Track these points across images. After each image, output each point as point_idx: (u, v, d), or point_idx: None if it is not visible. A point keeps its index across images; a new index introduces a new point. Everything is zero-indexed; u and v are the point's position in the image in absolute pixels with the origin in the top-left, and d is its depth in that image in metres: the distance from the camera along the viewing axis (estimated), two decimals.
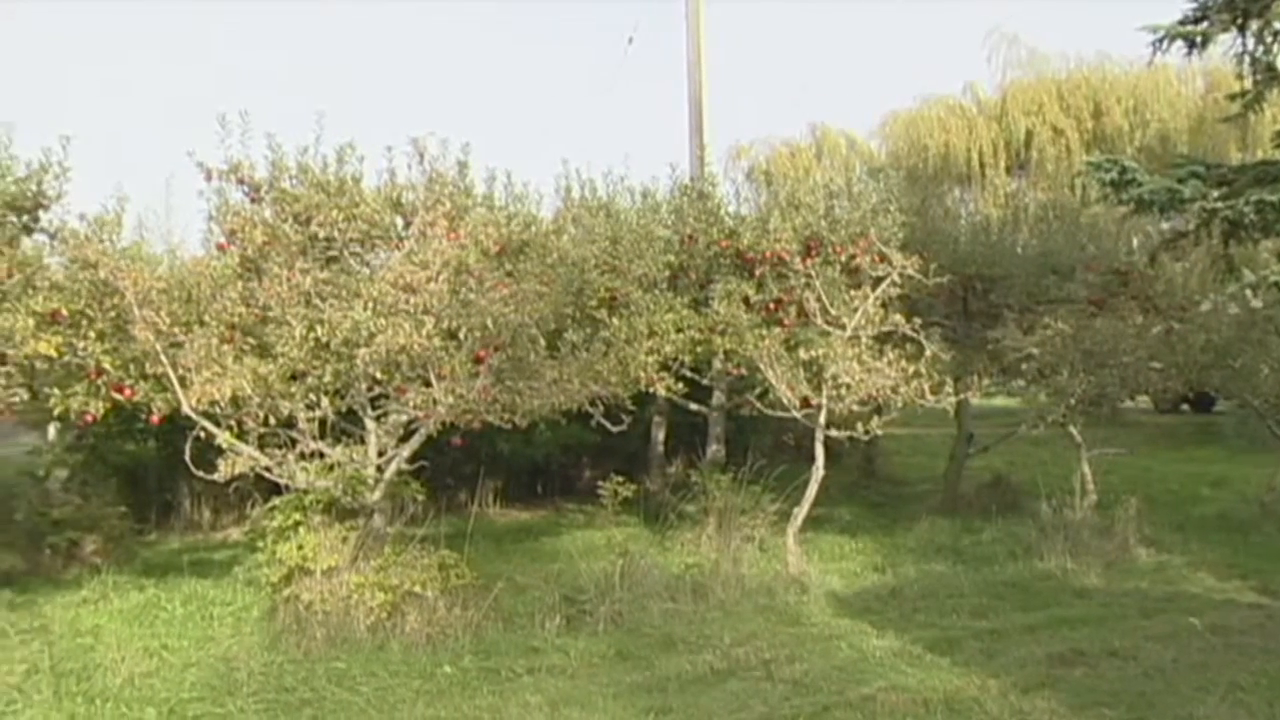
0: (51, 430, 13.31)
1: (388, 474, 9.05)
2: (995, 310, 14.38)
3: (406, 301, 8.32)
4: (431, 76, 63.63)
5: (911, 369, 10.22)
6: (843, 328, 10.74)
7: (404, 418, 9.05)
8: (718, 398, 14.19)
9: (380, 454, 9.16)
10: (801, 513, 10.91)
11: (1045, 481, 12.68)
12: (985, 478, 15.28)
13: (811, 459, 11.01)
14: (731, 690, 7.49)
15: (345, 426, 9.28)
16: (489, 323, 8.42)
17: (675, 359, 12.29)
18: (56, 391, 9.33)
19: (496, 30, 66.32)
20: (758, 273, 12.64)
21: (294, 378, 8.78)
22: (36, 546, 11.45)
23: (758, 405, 11.43)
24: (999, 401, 18.49)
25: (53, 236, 10.47)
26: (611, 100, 54.13)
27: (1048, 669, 7.80)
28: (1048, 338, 12.48)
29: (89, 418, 9.58)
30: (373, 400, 9.21)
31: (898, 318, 10.65)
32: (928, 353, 10.53)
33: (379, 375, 8.56)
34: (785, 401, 10.72)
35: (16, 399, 9.42)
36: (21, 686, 7.52)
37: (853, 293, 11.10)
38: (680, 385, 12.34)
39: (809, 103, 57.82)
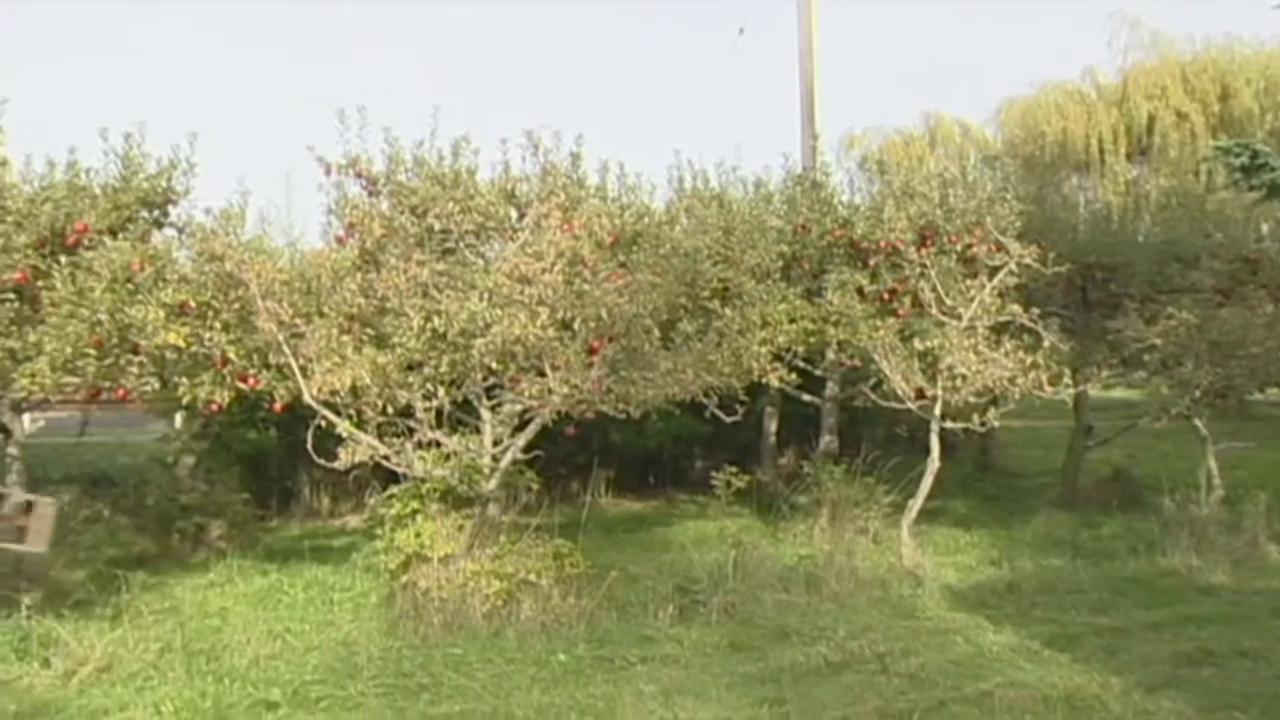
0: (178, 418, 13.73)
1: (503, 463, 9.14)
2: (1115, 300, 14.07)
3: (521, 292, 8.38)
4: (545, 69, 64.00)
5: (1029, 360, 10.02)
6: (958, 318, 10.58)
7: (518, 408, 9.14)
8: (831, 389, 14.09)
9: (495, 443, 9.26)
10: (916, 505, 10.79)
11: (1168, 476, 12.36)
12: (1105, 471, 14.96)
13: (925, 451, 10.88)
14: (846, 683, 7.43)
15: (460, 416, 9.40)
16: (603, 313, 8.46)
17: (788, 349, 12.24)
18: (185, 381, 9.61)
19: (609, 21, 66.53)
20: (872, 262, 12.52)
21: (411, 368, 8.91)
22: (166, 530, 11.82)
23: (871, 396, 11.31)
24: (1119, 393, 18.10)
25: (181, 231, 10.82)
26: (723, 91, 53.74)
27: (1173, 668, 7.61)
28: (1171, 328, 12.17)
29: (215, 406, 9.85)
30: (488, 390, 9.31)
31: (1015, 308, 10.47)
32: (1045, 343, 10.30)
33: (494, 365, 8.64)
34: (899, 393, 10.60)
35: (148, 388, 9.73)
36: (156, 664, 7.78)
37: (969, 282, 10.91)
38: (793, 376, 12.29)
39: (923, 90, 57.03)
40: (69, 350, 9.29)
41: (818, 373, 13.61)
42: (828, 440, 14.23)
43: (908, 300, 11.89)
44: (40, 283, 9.71)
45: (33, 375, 9.34)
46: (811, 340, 12.58)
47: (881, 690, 7.23)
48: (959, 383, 10.22)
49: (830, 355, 13.20)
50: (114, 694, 7.25)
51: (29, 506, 7.89)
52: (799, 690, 7.27)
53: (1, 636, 7.88)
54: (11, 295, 9.49)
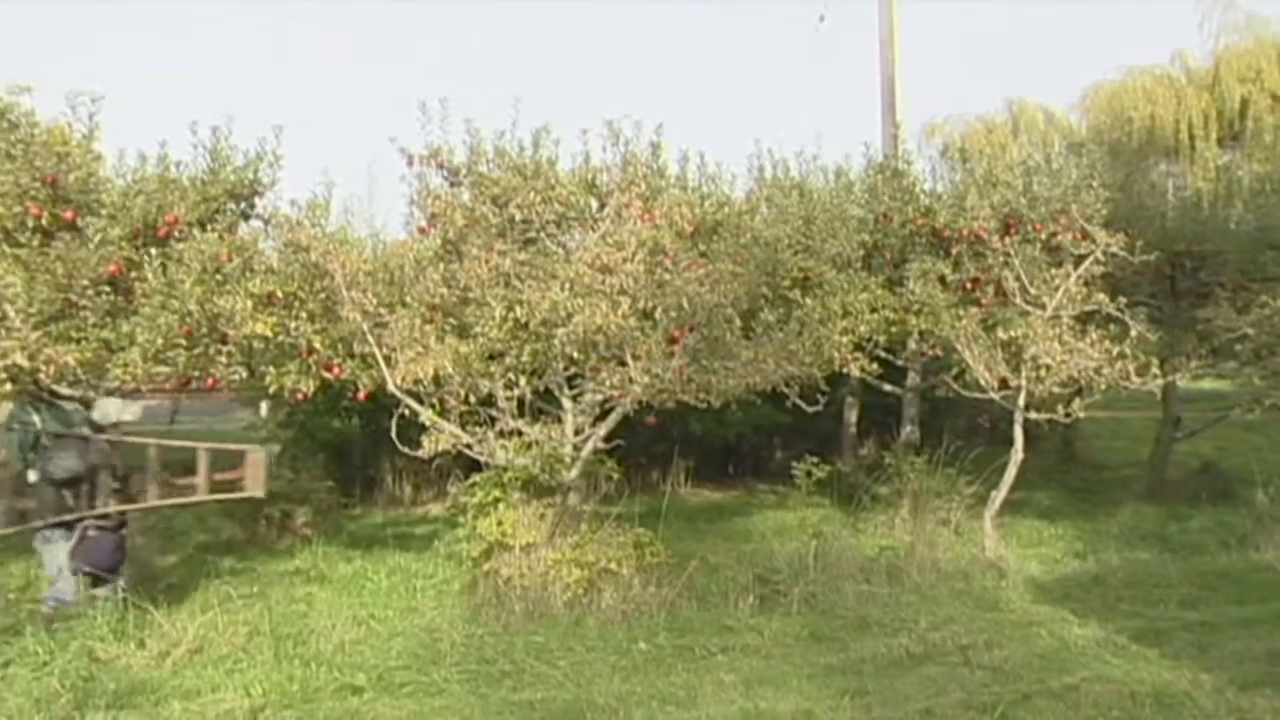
0: (264, 407, 13.97)
1: (584, 452, 9.18)
2: (1205, 289, 13.75)
3: (602, 282, 8.39)
4: (625, 59, 64.09)
5: (1115, 350, 9.86)
6: (1043, 307, 10.43)
7: (599, 397, 9.18)
8: (912, 378, 13.97)
9: (577, 433, 9.31)
10: (999, 496, 10.68)
11: (1261, 469, 12.11)
12: (1193, 464, 14.66)
13: (1007, 442, 10.76)
14: (928, 675, 7.38)
15: (542, 406, 9.45)
16: (684, 303, 8.45)
17: (869, 339, 12.17)
18: (272, 370, 9.75)
19: (688, 10, 66.40)
20: (954, 251, 12.37)
21: (492, 357, 8.97)
22: (253, 517, 12.02)
23: (953, 386, 11.21)
24: (1208, 384, 17.70)
25: (267, 222, 10.97)
26: (803, 79, 53.48)
27: (1268, 666, 7.40)
28: (1265, 317, 11.85)
29: (300, 395, 9.98)
30: (569, 380, 9.36)
31: (1101, 297, 10.31)
32: (1133, 333, 10.12)
33: (575, 355, 8.68)
34: (982, 383, 10.48)
35: (236, 376, 9.89)
36: (246, 647, 7.94)
37: (1053, 271, 10.75)
38: (874, 366, 12.23)
39: (1005, 76, 56.18)
40: (160, 341, 9.47)
41: (899, 362, 13.51)
42: (909, 431, 14.12)
43: (991, 289, 11.73)
44: (133, 274, 9.91)
45: (126, 365, 9.53)
46: (893, 330, 12.49)
47: (964, 683, 7.17)
48: (1043, 373, 10.10)
49: (912, 345, 13.09)
50: (206, 675, 7.41)
51: (242, 456, 8.56)
52: (881, 682, 7.24)
53: (100, 617, 8.07)
54: (106, 287, 9.69)
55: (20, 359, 7.61)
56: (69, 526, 8.58)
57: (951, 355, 11.35)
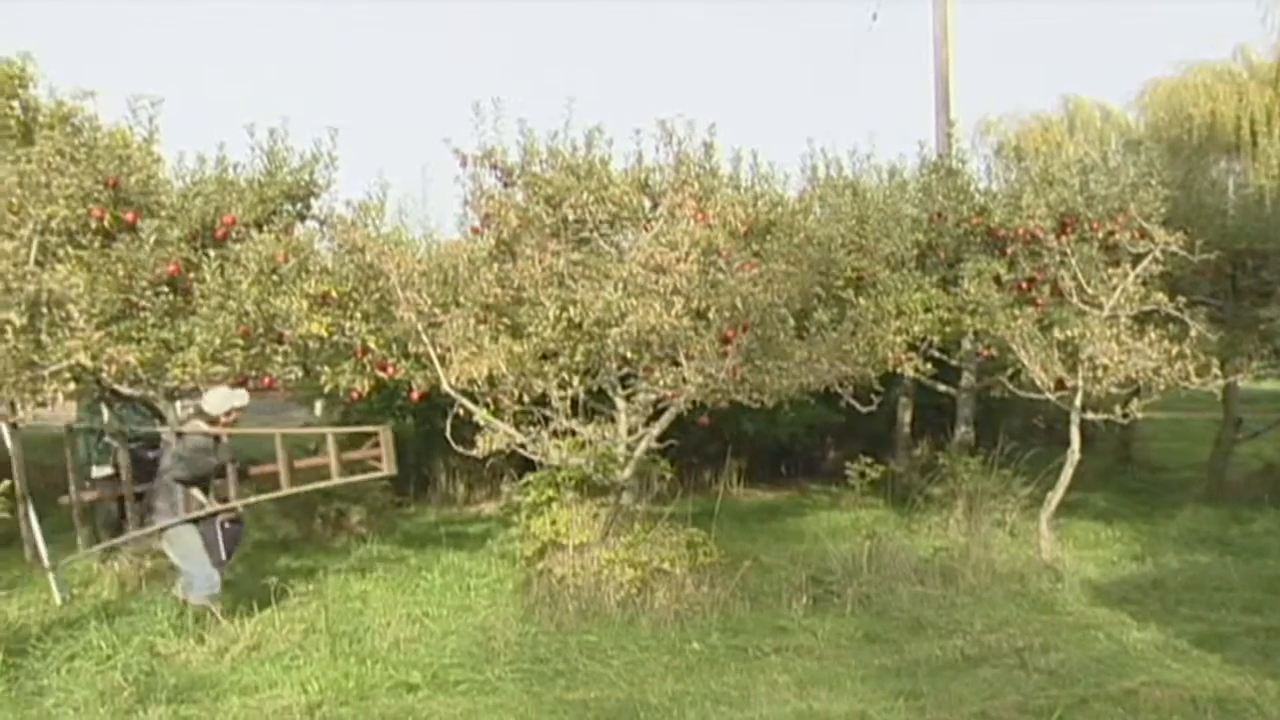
0: (318, 405, 14.10)
1: (637, 452, 9.19)
2: (1268, 288, 13.56)
3: (656, 282, 8.40)
4: (677, 59, 64.08)
5: (1174, 350, 9.71)
6: (1100, 307, 10.30)
7: (652, 397, 9.18)
8: (967, 379, 13.86)
9: (630, 432, 9.32)
10: (1055, 498, 10.57)
11: None
12: (1255, 465, 14.44)
13: (1063, 442, 10.67)
14: (984, 677, 7.32)
15: (595, 405, 9.47)
16: (738, 302, 8.44)
17: (923, 339, 12.09)
18: (327, 369, 9.84)
19: (739, 9, 66.26)
20: (1009, 251, 12.27)
21: (546, 357, 9.01)
22: (309, 515, 12.14)
23: (1009, 386, 11.11)
24: (1270, 385, 17.44)
25: (322, 223, 11.08)
26: (855, 77, 53.22)
27: None
28: None
29: (355, 394, 10.06)
30: (622, 379, 9.37)
31: (1160, 296, 10.16)
32: (1192, 333, 9.96)
33: (629, 355, 8.69)
34: (1038, 383, 10.38)
35: (292, 376, 9.99)
36: (302, 644, 8.04)
37: (1111, 271, 10.61)
38: (928, 366, 12.15)
39: (1061, 73, 55.60)
40: (218, 340, 9.58)
41: (953, 362, 13.42)
42: (963, 431, 14.01)
43: (1047, 289, 11.64)
44: (191, 275, 10.03)
45: (184, 365, 9.65)
46: (947, 330, 12.40)
47: (1020, 686, 7.10)
48: (1100, 373, 9.97)
49: (966, 345, 13.01)
50: (263, 671, 7.50)
51: (368, 437, 8.91)
52: (935, 684, 7.18)
53: (161, 613, 8.19)
54: (165, 288, 9.82)
55: (84, 358, 7.73)
56: (196, 520, 8.71)
57: (1006, 355, 11.25)
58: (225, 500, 8.89)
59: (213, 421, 8.93)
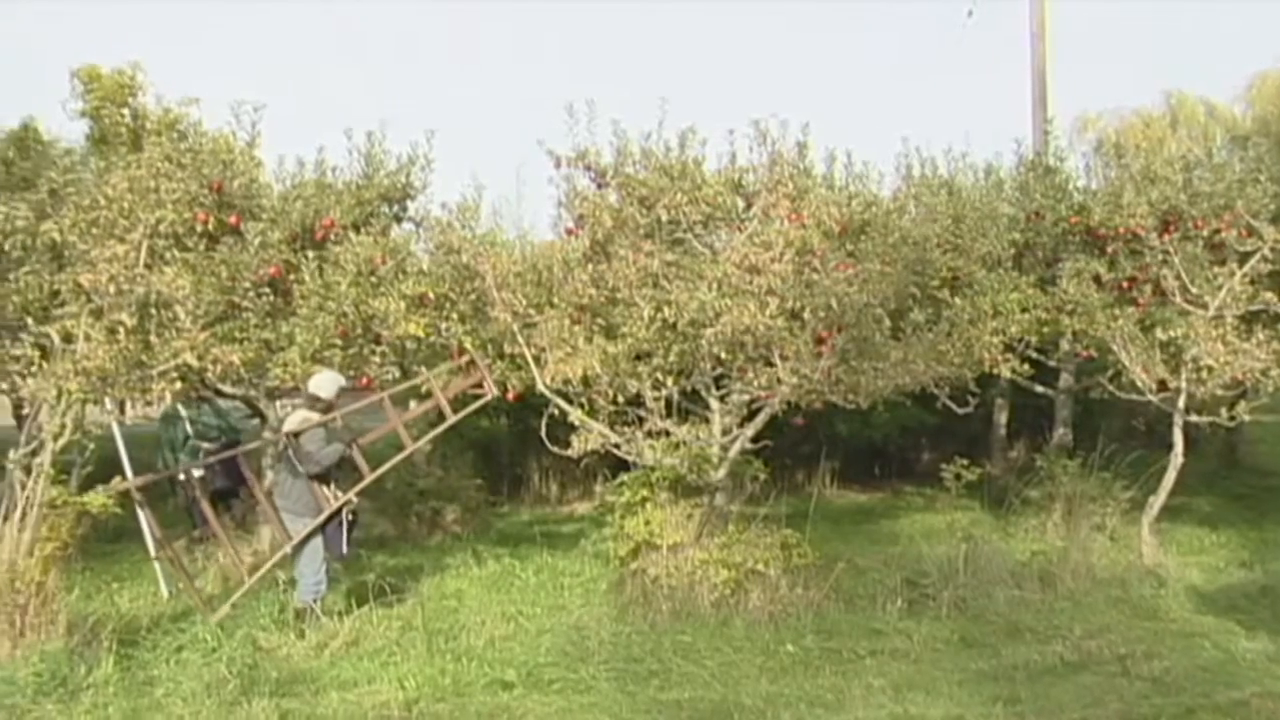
0: (412, 405, 14.27)
1: (731, 453, 9.18)
2: None
3: (750, 282, 8.37)
4: (772, 58, 63.80)
5: None
6: (1205, 307, 10.07)
7: (746, 397, 9.17)
8: (1065, 380, 13.62)
9: (724, 433, 9.31)
10: (1158, 502, 10.35)
11: None
12: None
13: (1165, 445, 10.45)
14: (1084, 684, 7.19)
15: (688, 406, 9.47)
16: (832, 303, 8.39)
17: (1020, 339, 11.91)
18: (424, 370, 9.96)
19: (831, 8, 65.82)
20: (1109, 250, 12.06)
21: (639, 358, 9.02)
22: (404, 514, 12.32)
23: (1108, 388, 10.90)
24: None
25: (419, 225, 11.26)
26: (951, 76, 52.62)
27: None
28: None
29: (451, 394, 10.18)
30: (716, 380, 9.36)
31: (1269, 295, 9.90)
32: None
33: (723, 355, 8.67)
34: (1139, 384, 10.17)
35: (389, 376, 10.15)
36: (399, 641, 8.14)
37: (1216, 269, 10.37)
38: (1025, 367, 11.97)
39: (1162, 68, 54.39)
40: (318, 341, 9.77)
41: (1050, 363, 13.20)
42: (1061, 433, 13.76)
43: (1149, 289, 11.41)
44: (291, 276, 10.24)
45: (285, 365, 9.86)
46: (1045, 330, 12.22)
47: (1123, 693, 6.96)
48: (1205, 374, 9.75)
49: (1064, 345, 12.78)
50: (362, 667, 7.61)
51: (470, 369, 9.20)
52: (1034, 689, 7.07)
53: (263, 608, 8.34)
54: (267, 289, 10.03)
55: (190, 358, 7.91)
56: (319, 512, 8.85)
57: (1106, 356, 11.05)
58: (348, 487, 8.99)
59: (327, 407, 8.97)
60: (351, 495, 8.90)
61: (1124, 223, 11.77)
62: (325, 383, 9.00)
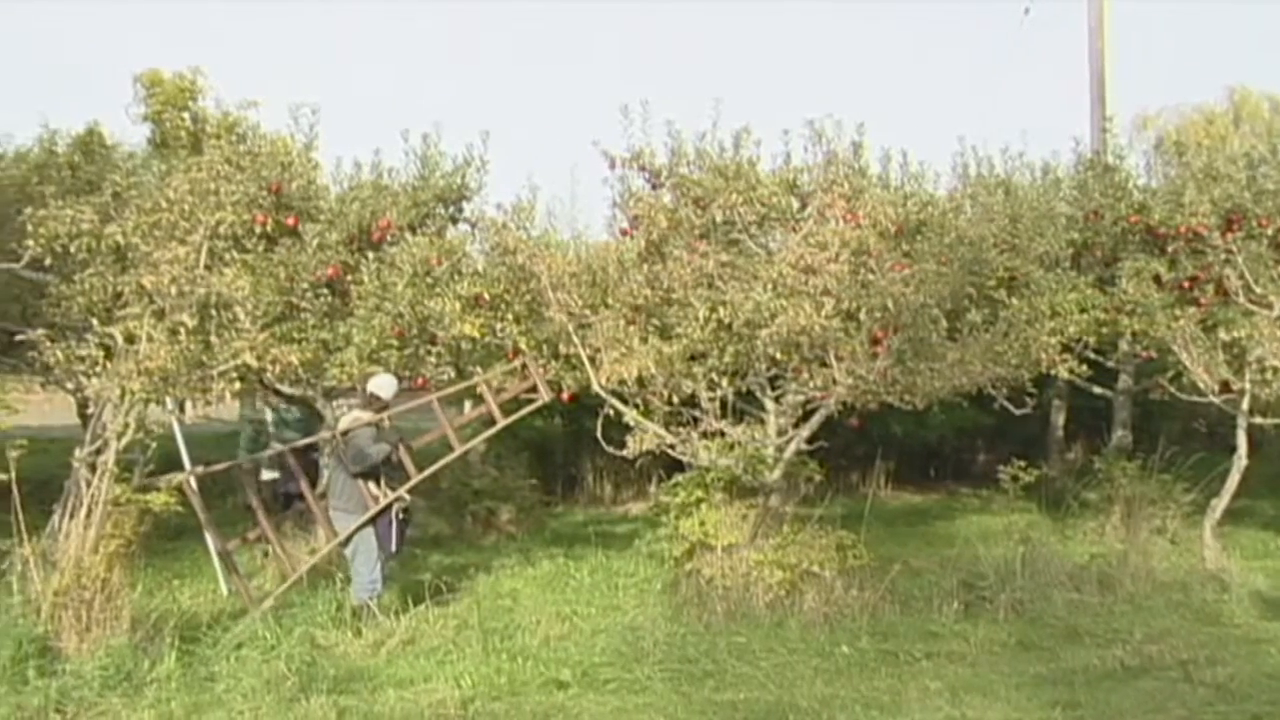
0: (466, 406, 14.36)
1: (787, 454, 9.15)
2: None
3: (806, 283, 8.34)
4: (825, 58, 63.55)
5: None
6: (1270, 306, 9.90)
7: (801, 398, 9.13)
8: (1124, 381, 13.48)
9: (779, 434, 9.28)
10: (1220, 505, 10.20)
11: None
12: None
13: (1227, 447, 10.32)
14: (1145, 689, 7.09)
15: (743, 406, 9.45)
16: (889, 303, 8.34)
17: (1078, 340, 11.81)
18: (479, 370, 10.01)
19: (889, 8, 65.44)
20: (1170, 249, 11.94)
21: (694, 358, 9.00)
22: (459, 513, 12.40)
23: (1169, 389, 10.77)
24: None
25: (474, 226, 11.31)
26: (1007, 74, 52.12)
27: None
28: None
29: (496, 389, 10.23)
30: (771, 380, 9.34)
31: None
32: None
33: (778, 356, 8.63)
34: (1201, 386, 10.03)
35: (445, 376, 10.21)
36: (455, 640, 8.21)
37: None
38: (1083, 367, 11.86)
39: (1224, 64, 53.58)
40: (374, 341, 9.85)
41: (1109, 364, 13.07)
42: (1120, 434, 13.61)
43: (1211, 288, 11.29)
44: (349, 277, 10.33)
45: (342, 365, 9.95)
46: (1103, 331, 12.13)
47: (1185, 699, 6.85)
48: (1270, 375, 9.59)
49: (1124, 346, 12.67)
50: (418, 665, 7.67)
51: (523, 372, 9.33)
52: (1094, 694, 6.99)
53: (321, 606, 8.42)
54: (324, 290, 10.12)
55: (249, 358, 7.99)
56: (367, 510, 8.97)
57: (1167, 357, 10.91)
58: (398, 486, 9.08)
59: (382, 407, 9.08)
60: (401, 493, 8.98)
61: (1185, 221, 11.65)
62: (385, 384, 9.15)
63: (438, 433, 9.49)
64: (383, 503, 8.88)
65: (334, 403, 11.36)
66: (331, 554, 9.11)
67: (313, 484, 9.72)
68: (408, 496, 9.13)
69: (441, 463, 9.45)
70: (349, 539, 8.86)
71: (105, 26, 58.37)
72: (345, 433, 8.97)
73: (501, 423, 9.27)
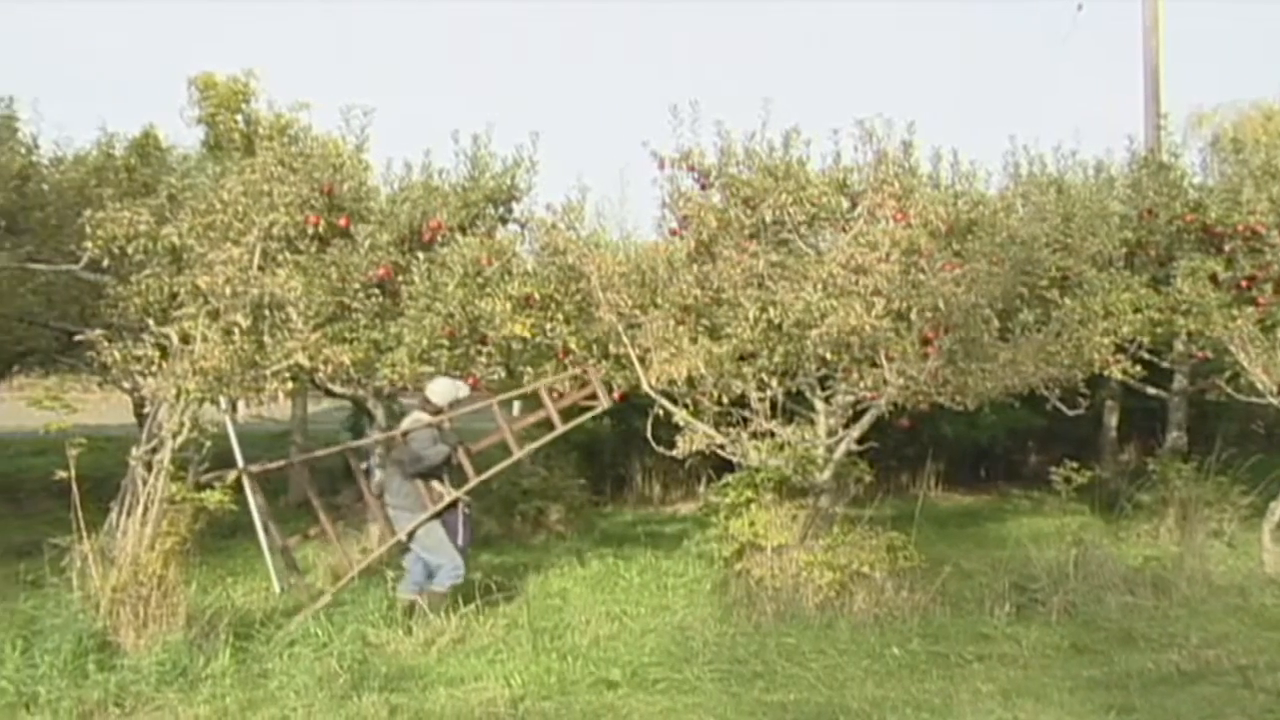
0: (516, 407, 14.42)
1: (837, 454, 9.11)
2: None
3: (856, 283, 8.31)
4: (875, 57, 63.27)
5: None
6: None
7: (851, 399, 9.10)
8: (1179, 381, 13.31)
9: (829, 434, 9.25)
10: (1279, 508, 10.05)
11: None
12: None
13: None
14: (1202, 695, 6.98)
15: (792, 407, 9.43)
16: (940, 303, 8.29)
17: (1132, 340, 11.67)
18: (529, 370, 10.06)
19: (939, 7, 65.02)
20: (1227, 248, 11.80)
21: (744, 358, 8.99)
22: (509, 513, 12.46)
23: (1226, 390, 10.63)
24: None
25: (523, 226, 11.35)
26: (1059, 71, 51.68)
27: None
28: None
29: (555, 394, 10.25)
30: (821, 381, 9.31)
31: None
32: None
33: (828, 356, 8.60)
34: (1259, 386, 9.90)
35: (495, 376, 10.25)
36: (505, 639, 8.26)
37: None
38: (1137, 368, 11.72)
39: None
40: (425, 341, 9.90)
41: (1164, 365, 12.91)
42: (1175, 436, 13.45)
43: (1269, 287, 11.18)
44: (400, 278, 10.39)
45: (393, 365, 10.01)
46: (1158, 331, 11.97)
47: (1245, 706, 6.74)
48: None
49: (1179, 346, 12.51)
50: (468, 664, 7.71)
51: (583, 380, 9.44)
52: (1149, 699, 6.88)
53: (371, 604, 8.49)
54: (376, 290, 10.19)
55: (302, 358, 8.07)
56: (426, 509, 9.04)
57: (1223, 357, 10.79)
58: (458, 487, 9.15)
59: (436, 411, 9.17)
60: (461, 494, 9.04)
61: (1243, 220, 11.52)
62: (440, 388, 9.26)
63: (497, 436, 9.60)
64: (444, 501, 8.96)
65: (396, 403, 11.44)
66: (382, 552, 9.18)
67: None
68: (466, 498, 9.20)
69: (498, 468, 9.58)
70: (410, 536, 8.95)
71: (159, 30, 59.11)
72: (405, 433, 9.03)
73: (560, 428, 9.37)
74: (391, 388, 10.60)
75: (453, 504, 9.00)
